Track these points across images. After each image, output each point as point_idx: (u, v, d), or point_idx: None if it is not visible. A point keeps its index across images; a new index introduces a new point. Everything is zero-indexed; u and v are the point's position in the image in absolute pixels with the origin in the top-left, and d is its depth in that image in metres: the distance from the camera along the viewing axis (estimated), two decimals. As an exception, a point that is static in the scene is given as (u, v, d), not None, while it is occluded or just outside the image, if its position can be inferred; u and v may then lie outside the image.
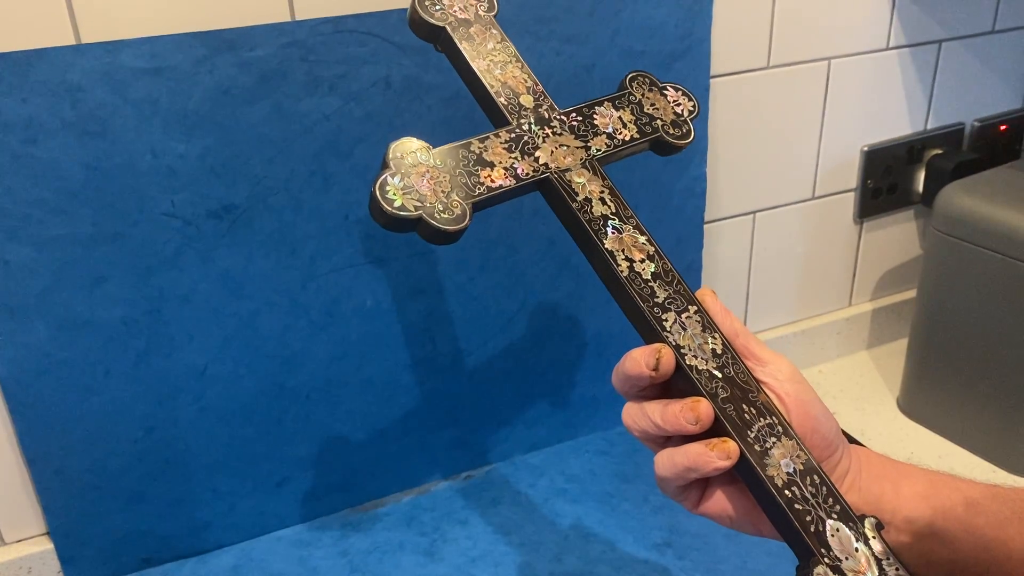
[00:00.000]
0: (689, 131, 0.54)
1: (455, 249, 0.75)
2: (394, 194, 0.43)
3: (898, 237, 0.99)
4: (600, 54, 0.75)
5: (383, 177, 0.44)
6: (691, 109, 0.55)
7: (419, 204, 0.44)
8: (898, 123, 0.93)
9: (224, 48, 0.63)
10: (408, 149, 0.45)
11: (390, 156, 0.45)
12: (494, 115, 0.51)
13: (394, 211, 0.43)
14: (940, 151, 0.95)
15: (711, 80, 0.81)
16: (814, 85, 0.86)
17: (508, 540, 0.75)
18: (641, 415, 0.46)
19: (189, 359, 0.69)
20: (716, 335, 0.46)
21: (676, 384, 0.45)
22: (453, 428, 0.81)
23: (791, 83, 0.85)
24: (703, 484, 0.47)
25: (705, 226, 0.86)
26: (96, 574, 0.72)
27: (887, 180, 0.94)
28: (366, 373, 0.75)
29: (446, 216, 0.44)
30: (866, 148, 0.92)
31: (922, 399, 0.89)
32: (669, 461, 0.45)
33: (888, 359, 1.00)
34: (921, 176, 0.95)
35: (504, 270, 0.78)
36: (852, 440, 0.82)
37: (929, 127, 0.95)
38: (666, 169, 0.81)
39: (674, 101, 0.54)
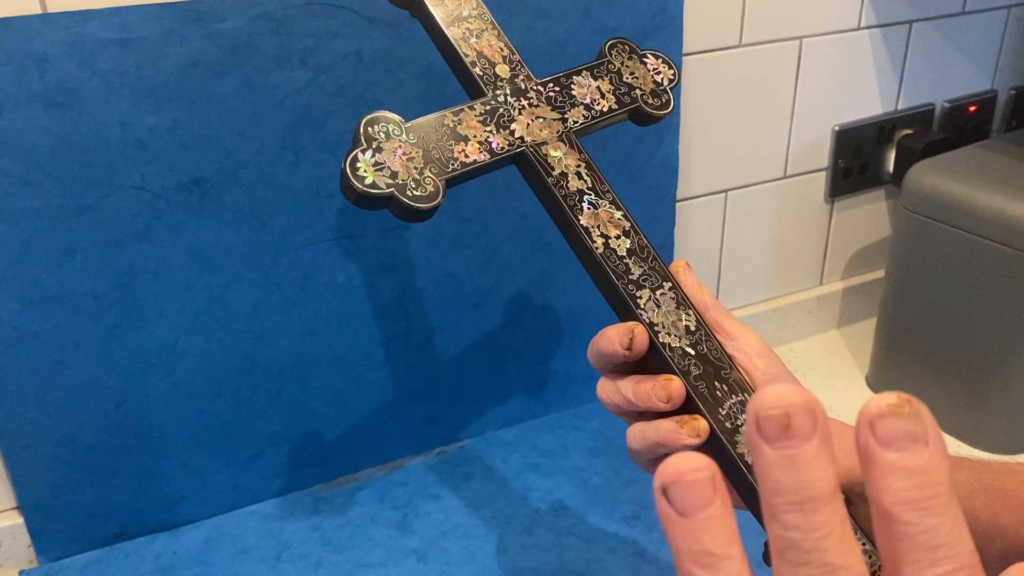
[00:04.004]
0: (669, 101, 0.53)
1: (428, 226, 0.75)
2: (365, 171, 0.43)
3: (869, 216, 1.00)
4: (573, 30, 0.75)
5: (354, 153, 0.44)
6: (671, 77, 0.54)
7: (391, 181, 0.44)
8: (869, 103, 0.94)
9: (193, 20, 0.62)
10: (380, 124, 0.45)
11: (362, 131, 0.45)
12: (469, 86, 0.51)
13: (365, 189, 0.43)
14: (910, 131, 0.96)
15: (683, 58, 0.81)
16: (786, 64, 0.87)
17: (480, 514, 0.75)
18: (615, 391, 0.46)
19: (160, 333, 0.69)
20: (690, 311, 0.46)
21: (650, 361, 0.45)
22: (426, 404, 0.81)
23: (763, 62, 0.85)
24: None
25: (677, 204, 0.87)
26: (67, 548, 0.72)
27: (858, 160, 0.95)
28: (338, 349, 0.75)
29: (419, 193, 0.44)
30: (837, 128, 0.92)
31: (890, 376, 0.91)
32: (640, 435, 0.46)
33: (858, 337, 1.01)
34: (891, 156, 0.96)
35: (477, 247, 0.78)
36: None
37: (900, 107, 0.96)
38: (638, 146, 0.81)
39: (654, 69, 0.54)
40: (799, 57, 0.87)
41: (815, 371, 0.96)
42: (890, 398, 0.22)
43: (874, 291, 1.03)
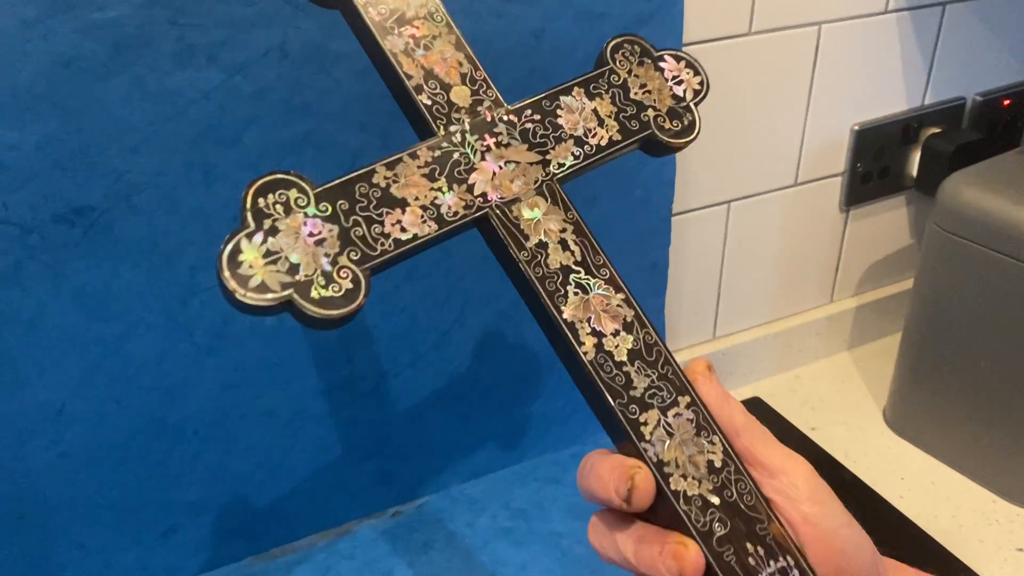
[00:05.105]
0: (692, 124, 0.40)
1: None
2: (251, 266, 0.30)
3: (887, 226, 0.88)
4: (551, 16, 0.62)
5: (237, 239, 0.31)
6: (697, 88, 0.41)
7: (288, 279, 0.31)
8: (893, 98, 0.81)
9: (62, 8, 0.48)
10: (278, 191, 0.32)
11: (249, 205, 0.32)
12: (414, 119, 0.38)
13: (248, 297, 0.30)
14: (938, 130, 0.83)
15: (683, 48, 0.68)
16: (802, 54, 0.74)
17: (440, 597, 0.63)
18: (610, 542, 0.34)
19: (41, 396, 0.56)
20: (715, 438, 0.33)
21: (658, 508, 0.33)
22: (377, 460, 0.69)
23: (776, 52, 0.72)
24: None
25: (673, 219, 0.74)
26: (-64, 651, 0.59)
27: (879, 163, 0.83)
28: (267, 403, 0.63)
29: (329, 294, 0.31)
30: (857, 127, 0.80)
31: (913, 414, 0.79)
32: None
33: (873, 361, 0.90)
34: (916, 158, 0.84)
35: (437, 276, 0.65)
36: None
37: (926, 103, 0.83)
38: (630, 155, 0.68)
39: (673, 77, 0.40)
40: (817, 46, 0.74)
41: (826, 404, 0.84)
42: None
43: (890, 308, 0.91)
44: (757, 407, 0.83)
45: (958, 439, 0.76)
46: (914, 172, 0.84)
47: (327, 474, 0.67)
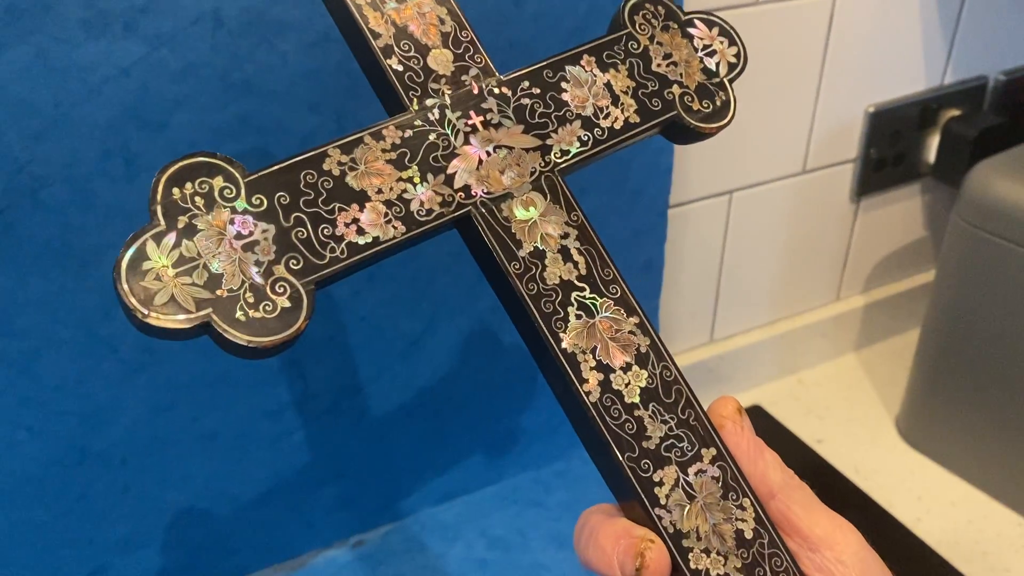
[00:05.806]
0: (726, 104, 0.33)
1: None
2: (159, 276, 0.23)
3: (899, 216, 0.81)
4: (533, -19, 0.54)
5: (141, 241, 0.24)
6: (733, 61, 0.34)
7: (207, 295, 0.24)
8: (911, 77, 0.73)
9: (-64, -38, 0.40)
10: (198, 180, 0.25)
11: (159, 195, 0.24)
12: (383, 91, 0.30)
13: (153, 317, 0.23)
14: (958, 112, 0.76)
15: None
16: (814, 27, 0.66)
17: (407, 643, 0.56)
18: None
19: (-66, 424, 0.48)
20: (745, 502, 0.27)
21: None
22: (336, 484, 0.61)
23: (785, 24, 0.65)
24: None
25: (669, 211, 0.67)
26: None
27: (894, 149, 0.75)
28: (207, 425, 0.55)
29: (259, 314, 0.24)
30: (872, 109, 0.72)
31: (929, 425, 0.72)
32: None
33: (883, 364, 0.83)
34: (935, 143, 0.76)
35: (404, 279, 0.58)
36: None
37: (946, 82, 0.76)
38: (621, 140, 0.60)
39: (704, 47, 0.34)
40: (831, 17, 0.66)
41: (832, 413, 0.77)
42: None
43: (901, 306, 0.84)
44: (757, 417, 0.76)
45: (981, 453, 0.69)
46: (931, 159, 0.77)
47: (279, 501, 0.60)
